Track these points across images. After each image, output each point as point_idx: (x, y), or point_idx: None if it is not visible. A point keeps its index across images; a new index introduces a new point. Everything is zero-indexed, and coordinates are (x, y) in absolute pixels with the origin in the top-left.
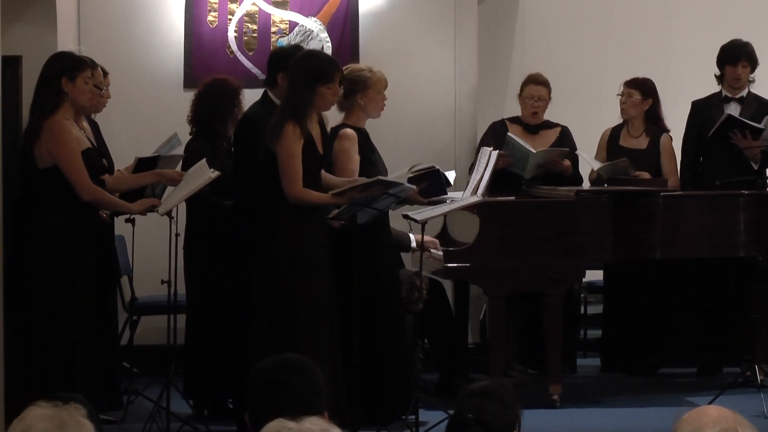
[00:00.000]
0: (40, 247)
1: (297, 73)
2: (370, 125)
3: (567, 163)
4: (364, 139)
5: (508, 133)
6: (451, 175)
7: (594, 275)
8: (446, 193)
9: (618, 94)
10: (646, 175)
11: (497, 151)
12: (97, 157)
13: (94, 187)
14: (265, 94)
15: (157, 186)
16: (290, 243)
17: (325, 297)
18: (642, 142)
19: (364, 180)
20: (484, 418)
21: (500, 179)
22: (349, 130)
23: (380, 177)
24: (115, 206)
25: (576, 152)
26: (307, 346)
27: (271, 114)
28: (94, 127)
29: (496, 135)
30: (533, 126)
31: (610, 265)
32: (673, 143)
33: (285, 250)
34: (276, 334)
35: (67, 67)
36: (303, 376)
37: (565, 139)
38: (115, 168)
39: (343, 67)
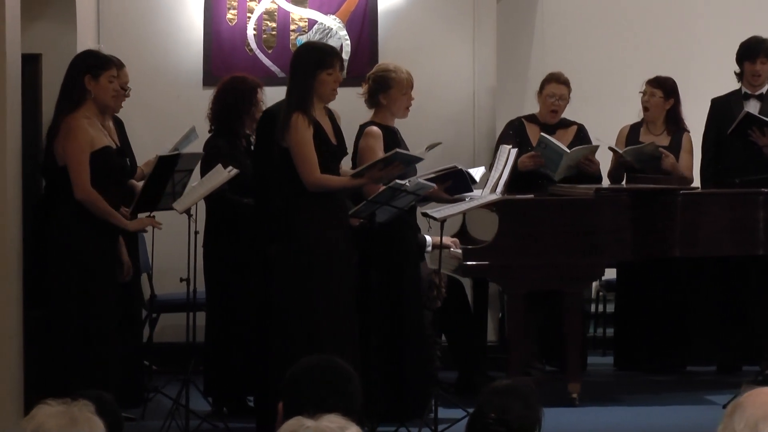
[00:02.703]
0: (59, 243)
1: (297, 64)
2: None
3: (597, 162)
4: (391, 137)
5: (542, 134)
6: (479, 172)
7: (612, 273)
8: (472, 191)
9: (640, 92)
10: (672, 158)
11: (516, 149)
12: (118, 156)
13: (91, 190)
14: None
15: (177, 183)
16: (310, 239)
17: (345, 292)
18: (663, 140)
19: (381, 158)
20: (506, 417)
21: (523, 178)
22: (374, 128)
23: (398, 150)
24: (106, 215)
25: (597, 138)
26: (327, 342)
27: None
28: (119, 125)
29: (515, 134)
30: (551, 125)
31: (623, 262)
32: (692, 142)
33: (304, 246)
34: (295, 330)
35: (91, 65)
36: (350, 382)
37: (581, 137)
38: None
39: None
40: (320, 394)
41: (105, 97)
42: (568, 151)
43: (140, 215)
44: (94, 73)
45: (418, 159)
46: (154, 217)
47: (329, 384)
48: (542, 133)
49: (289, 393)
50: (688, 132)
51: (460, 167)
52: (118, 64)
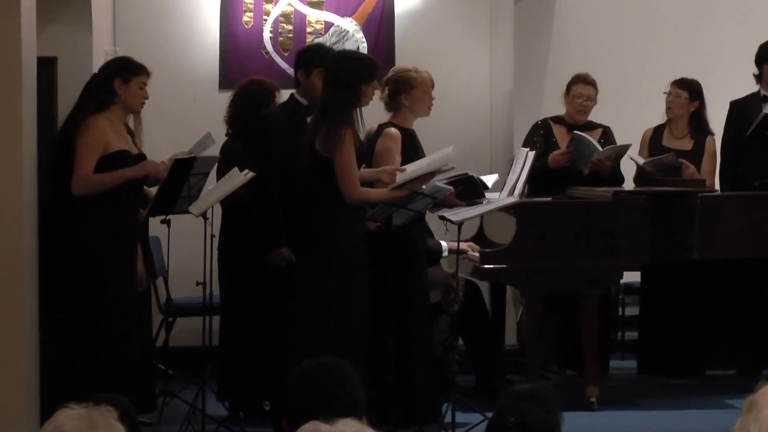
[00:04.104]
0: (74, 245)
1: (338, 76)
2: None
3: (609, 165)
4: (409, 139)
5: (575, 131)
6: (491, 179)
7: (631, 276)
8: (484, 197)
9: (665, 92)
10: (692, 168)
11: (533, 152)
12: (136, 161)
13: (88, 177)
14: (291, 95)
15: (193, 187)
16: (346, 246)
17: (367, 300)
18: (686, 144)
19: (423, 170)
20: (525, 421)
21: (545, 179)
22: (393, 130)
23: (446, 163)
24: (110, 182)
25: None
26: (355, 346)
27: (292, 114)
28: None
29: (541, 135)
30: (578, 126)
31: (647, 266)
32: (716, 146)
33: (344, 252)
34: (324, 335)
35: (123, 69)
36: (343, 383)
37: (606, 139)
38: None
39: (391, 70)
40: (313, 403)
41: (133, 103)
42: (601, 149)
43: (156, 218)
44: (125, 78)
45: (450, 168)
46: (169, 221)
47: (321, 388)
48: (575, 132)
49: (286, 407)
50: (713, 135)
51: (471, 174)
52: (149, 73)
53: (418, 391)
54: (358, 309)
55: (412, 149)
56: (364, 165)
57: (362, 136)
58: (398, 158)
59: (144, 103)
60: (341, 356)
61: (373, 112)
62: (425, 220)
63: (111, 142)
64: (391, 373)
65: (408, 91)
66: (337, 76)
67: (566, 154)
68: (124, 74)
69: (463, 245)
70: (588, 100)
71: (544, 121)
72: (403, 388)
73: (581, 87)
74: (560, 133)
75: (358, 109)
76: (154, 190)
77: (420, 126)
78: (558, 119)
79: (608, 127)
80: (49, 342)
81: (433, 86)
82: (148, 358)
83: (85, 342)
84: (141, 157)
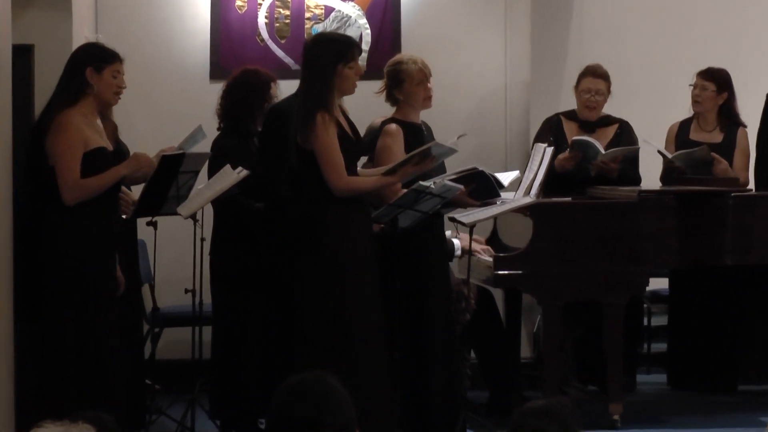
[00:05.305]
0: (52, 252)
1: (313, 58)
2: None
3: (616, 168)
4: (413, 133)
5: (575, 138)
6: (509, 176)
7: (657, 283)
8: (499, 195)
9: (690, 85)
10: (725, 163)
11: (552, 148)
12: (114, 158)
13: (80, 185)
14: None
15: (182, 186)
16: (341, 246)
17: (376, 302)
18: (716, 136)
19: (414, 152)
20: None
21: (560, 179)
22: (392, 126)
23: (437, 141)
24: (105, 184)
25: (644, 140)
26: (361, 356)
27: None
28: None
29: (551, 131)
30: (590, 122)
31: (676, 272)
32: (748, 139)
33: (336, 254)
34: (328, 343)
35: (95, 57)
36: (327, 400)
37: (623, 135)
38: None
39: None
40: (297, 427)
41: (107, 93)
42: (603, 151)
43: (142, 220)
44: (97, 67)
45: (453, 151)
46: (156, 223)
47: (303, 409)
48: (575, 137)
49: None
50: (745, 127)
51: (481, 168)
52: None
53: (434, 405)
54: (360, 315)
55: (416, 143)
56: (367, 159)
57: (343, 121)
58: (400, 154)
59: (120, 93)
60: (343, 369)
61: (378, 107)
62: (442, 221)
63: (88, 139)
64: (399, 384)
65: (398, 86)
66: (312, 59)
67: (570, 159)
68: (96, 63)
69: (475, 246)
70: (597, 94)
71: (556, 116)
72: (414, 401)
73: (589, 80)
74: (571, 130)
75: (336, 92)
76: (137, 189)
77: (432, 120)
78: (570, 114)
79: (626, 122)
80: (28, 354)
81: (427, 77)
82: (137, 372)
83: (68, 354)
84: (117, 152)
